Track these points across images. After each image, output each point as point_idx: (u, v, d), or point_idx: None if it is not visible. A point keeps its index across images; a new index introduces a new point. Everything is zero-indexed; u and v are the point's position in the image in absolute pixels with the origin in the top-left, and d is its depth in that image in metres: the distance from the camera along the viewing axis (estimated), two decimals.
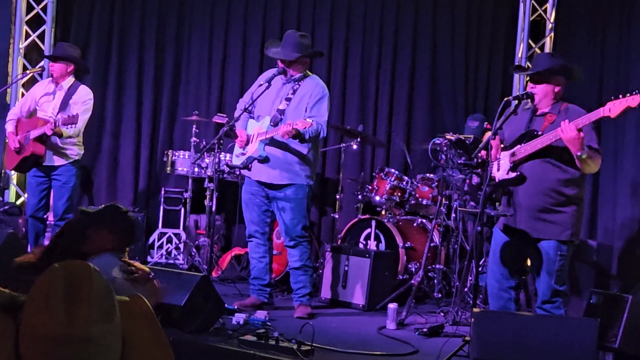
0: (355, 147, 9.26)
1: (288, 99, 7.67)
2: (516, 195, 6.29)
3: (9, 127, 8.66)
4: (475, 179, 6.71)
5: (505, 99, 6.38)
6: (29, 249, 8.69)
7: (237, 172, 8.02)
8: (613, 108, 5.74)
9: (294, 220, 7.69)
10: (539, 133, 6.18)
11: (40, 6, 10.77)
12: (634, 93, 5.68)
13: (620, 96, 5.72)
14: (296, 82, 7.72)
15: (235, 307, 7.45)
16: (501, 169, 6.30)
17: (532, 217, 6.24)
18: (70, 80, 8.69)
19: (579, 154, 5.94)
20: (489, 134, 6.83)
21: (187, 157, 9.93)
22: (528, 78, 6.55)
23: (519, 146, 6.23)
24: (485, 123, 8.98)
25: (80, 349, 2.27)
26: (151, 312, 2.57)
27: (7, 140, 8.64)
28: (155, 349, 2.53)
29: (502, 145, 6.41)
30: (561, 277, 6.27)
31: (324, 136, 7.84)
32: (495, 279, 6.51)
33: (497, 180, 6.29)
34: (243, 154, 7.72)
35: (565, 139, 5.92)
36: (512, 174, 6.23)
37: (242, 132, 7.70)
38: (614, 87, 8.89)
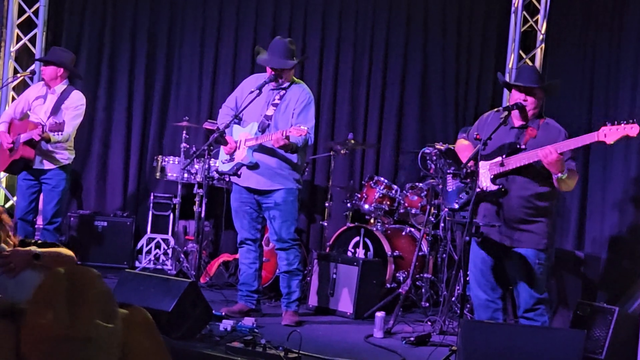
0: (344, 152, 9.27)
1: (275, 105, 7.67)
2: (493, 206, 6.37)
3: (2, 127, 8.66)
4: (451, 186, 6.75)
5: (495, 109, 6.41)
6: None
7: (227, 179, 8.02)
8: (609, 134, 5.78)
9: (285, 223, 7.69)
10: (523, 147, 6.23)
11: (32, 9, 10.75)
12: (631, 122, 5.72)
13: (616, 123, 5.76)
14: (283, 89, 7.72)
15: (223, 313, 7.45)
16: (481, 179, 6.33)
17: (510, 228, 6.33)
18: (64, 84, 8.68)
19: (558, 175, 6.02)
20: (463, 142, 6.88)
21: (176, 162, 9.92)
22: (517, 85, 6.55)
23: (501, 158, 6.28)
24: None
25: (81, 348, 2.29)
26: (151, 322, 2.59)
27: None
28: (154, 356, 2.55)
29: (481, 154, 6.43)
30: (541, 285, 6.37)
31: (312, 143, 7.84)
32: (482, 290, 6.54)
33: (477, 190, 6.31)
34: (230, 160, 7.72)
35: (545, 163, 5.99)
36: (494, 187, 6.29)
37: (229, 139, 7.70)
38: (604, 98, 8.94)
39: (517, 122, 6.41)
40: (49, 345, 2.28)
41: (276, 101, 7.68)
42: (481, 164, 6.32)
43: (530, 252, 6.32)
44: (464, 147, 6.77)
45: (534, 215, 6.30)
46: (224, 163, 7.79)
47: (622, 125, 5.74)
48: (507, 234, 6.33)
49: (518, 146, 6.25)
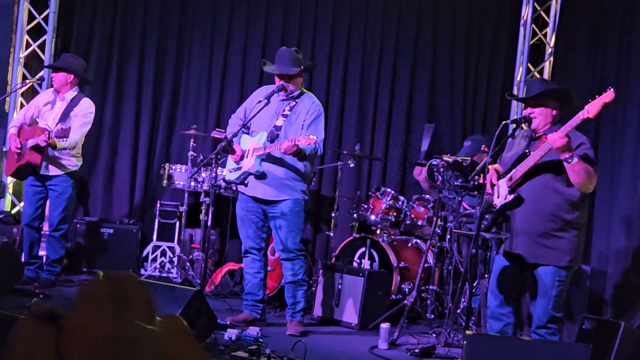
0: (351, 165, 9.29)
1: (285, 115, 7.68)
2: (514, 219, 6.26)
3: (12, 130, 8.69)
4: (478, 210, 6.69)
5: (503, 122, 6.38)
6: (22, 258, 8.70)
7: (234, 188, 8.01)
8: (591, 108, 5.77)
9: (291, 233, 7.69)
10: (529, 152, 6.18)
11: (42, 16, 10.77)
12: (607, 89, 5.73)
13: (597, 96, 5.77)
14: (293, 99, 7.73)
15: (228, 322, 7.44)
16: (501, 196, 6.28)
17: (531, 242, 6.20)
18: (74, 91, 8.70)
19: (567, 157, 5.89)
20: (485, 156, 6.86)
21: (184, 170, 9.93)
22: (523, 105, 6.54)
23: (514, 170, 6.22)
24: (483, 146, 8.98)
25: (127, 349, 2.30)
26: (189, 330, 2.60)
27: (4, 150, 8.64)
28: None
29: (500, 173, 6.40)
30: (559, 302, 6.23)
31: (320, 154, 7.84)
32: (496, 303, 6.46)
33: (497, 207, 6.26)
34: (238, 169, 7.73)
35: (555, 148, 5.89)
36: (510, 197, 6.20)
37: (237, 147, 7.70)
38: (612, 112, 8.92)
39: (538, 134, 6.36)
40: (92, 346, 2.30)
41: (286, 112, 7.69)
42: (500, 182, 6.30)
43: (549, 269, 6.18)
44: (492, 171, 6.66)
45: (557, 230, 6.16)
46: (231, 172, 7.79)
47: (601, 95, 5.75)
48: (525, 249, 6.22)
49: (527, 153, 6.19)
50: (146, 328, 2.31)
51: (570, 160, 5.90)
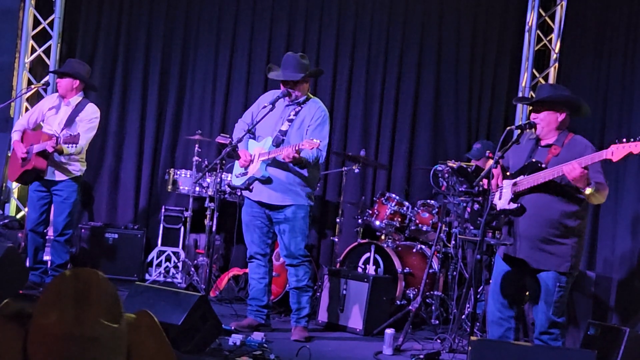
0: (356, 170, 9.29)
1: (290, 121, 7.68)
2: (517, 224, 6.25)
3: (15, 136, 8.70)
4: (476, 205, 6.71)
5: (508, 128, 6.38)
6: (27, 263, 8.70)
7: (239, 193, 8.01)
8: (616, 152, 5.74)
9: (295, 239, 7.68)
10: (543, 166, 6.15)
11: (47, 21, 10.80)
12: (637, 139, 5.70)
13: (624, 140, 5.74)
14: (298, 105, 7.73)
15: (232, 327, 7.44)
16: (503, 198, 6.28)
17: (533, 247, 6.20)
18: (79, 97, 8.70)
19: (585, 190, 5.92)
20: (490, 162, 6.85)
21: (188, 176, 9.94)
22: (531, 108, 6.54)
23: (521, 177, 6.20)
24: (488, 152, 8.98)
25: (87, 347, 2.30)
26: (158, 326, 2.60)
27: (9, 154, 8.64)
28: (160, 358, 2.56)
29: (507, 173, 6.39)
30: (560, 308, 6.23)
31: (323, 161, 7.83)
32: (496, 307, 6.47)
33: (498, 209, 6.27)
34: (244, 174, 7.73)
35: (571, 179, 5.90)
36: (513, 205, 6.20)
37: (245, 152, 7.70)
38: (618, 118, 8.92)
39: (544, 140, 6.36)
40: (54, 345, 2.30)
41: (291, 117, 7.69)
42: (505, 182, 6.30)
43: (550, 274, 6.18)
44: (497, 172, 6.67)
45: (560, 236, 6.16)
46: (237, 177, 7.80)
47: (628, 143, 5.73)
48: (527, 254, 6.22)
49: (540, 165, 6.19)
50: (108, 326, 2.30)
51: (584, 191, 5.94)
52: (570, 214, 6.18)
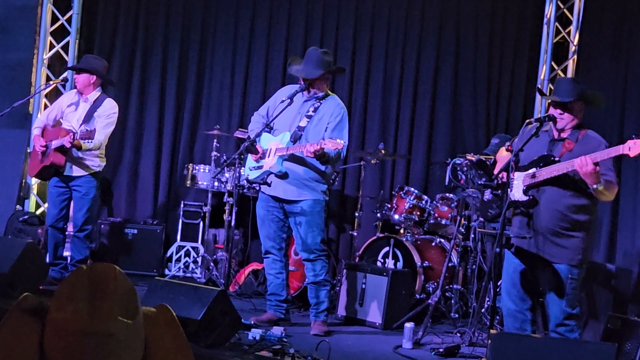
0: (374, 162, 9.27)
1: (309, 117, 7.66)
2: (535, 218, 6.26)
3: (35, 131, 8.73)
4: (487, 195, 6.68)
5: (527, 121, 6.36)
6: (47, 259, 8.73)
7: (257, 187, 8.00)
8: (633, 147, 5.70)
9: (312, 232, 7.66)
10: (557, 159, 6.14)
11: (65, 17, 10.82)
12: None
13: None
14: (318, 100, 7.71)
15: (252, 322, 7.44)
16: (514, 190, 6.28)
17: (545, 241, 6.22)
18: (97, 92, 8.72)
19: (594, 187, 5.91)
20: (503, 152, 6.84)
21: (207, 171, 9.96)
22: (549, 100, 6.50)
23: (534, 169, 6.19)
24: (507, 143, 8.95)
25: (102, 343, 2.30)
26: (175, 321, 2.59)
27: (28, 151, 8.67)
28: (177, 355, 2.55)
29: (518, 165, 6.38)
30: (573, 300, 6.25)
31: (343, 157, 7.81)
32: (511, 300, 6.47)
33: (509, 201, 6.25)
34: (259, 167, 7.72)
35: (581, 173, 5.89)
36: (525, 197, 6.21)
37: (257, 146, 7.69)
38: (637, 110, 8.88)
39: (557, 134, 6.33)
40: (69, 340, 2.29)
41: (310, 113, 7.67)
42: (517, 174, 6.28)
43: (563, 267, 6.20)
44: (503, 157, 6.71)
45: (569, 229, 6.17)
46: (251, 170, 7.78)
47: None
48: (540, 247, 6.23)
49: (552, 158, 6.17)
50: (122, 322, 2.30)
51: (594, 188, 5.92)
52: (578, 208, 6.19)
